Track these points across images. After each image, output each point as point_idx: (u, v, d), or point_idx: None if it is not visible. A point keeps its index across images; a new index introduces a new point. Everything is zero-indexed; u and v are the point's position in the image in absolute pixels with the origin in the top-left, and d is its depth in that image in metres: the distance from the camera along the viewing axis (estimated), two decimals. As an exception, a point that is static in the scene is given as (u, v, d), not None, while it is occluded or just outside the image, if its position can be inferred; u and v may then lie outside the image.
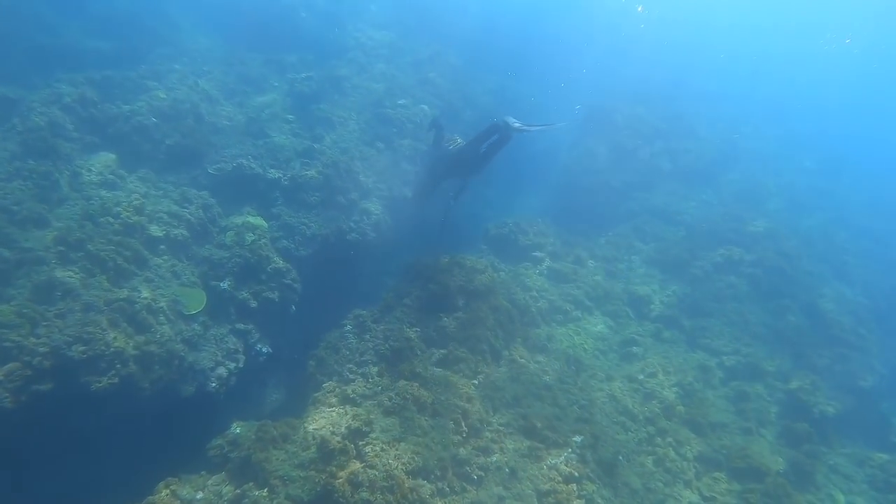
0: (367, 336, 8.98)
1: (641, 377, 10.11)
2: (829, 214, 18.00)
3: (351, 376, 8.42)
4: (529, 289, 11.44)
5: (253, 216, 11.36)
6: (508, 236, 12.85)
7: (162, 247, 9.74)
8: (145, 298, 8.55)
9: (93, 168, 10.36)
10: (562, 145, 21.73)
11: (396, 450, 7.13)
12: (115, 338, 7.77)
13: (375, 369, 8.45)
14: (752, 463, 8.75)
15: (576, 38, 25.88)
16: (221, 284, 9.82)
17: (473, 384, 8.55)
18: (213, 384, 9.22)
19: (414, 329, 9.22)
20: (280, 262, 10.53)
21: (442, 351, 8.88)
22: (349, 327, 9.37)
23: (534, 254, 12.52)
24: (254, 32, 17.26)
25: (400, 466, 6.92)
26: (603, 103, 20.37)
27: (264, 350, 10.35)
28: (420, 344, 8.93)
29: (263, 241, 10.63)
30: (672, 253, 13.22)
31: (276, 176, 12.02)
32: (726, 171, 18.35)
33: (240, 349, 9.81)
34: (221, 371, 9.40)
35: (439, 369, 8.59)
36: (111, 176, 10.39)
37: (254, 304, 10.07)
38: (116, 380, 7.65)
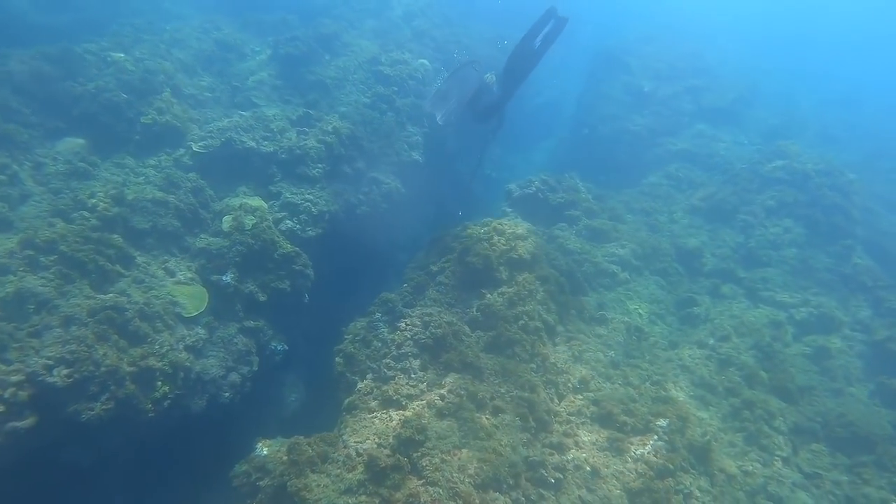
0: (402, 324, 7.67)
1: (712, 342, 8.90)
2: (865, 145, 16.73)
3: (389, 373, 7.14)
4: (570, 252, 10.14)
5: (250, 197, 9.96)
6: (536, 196, 11.46)
7: (150, 240, 8.37)
8: (137, 303, 7.19)
9: (59, 157, 8.89)
10: (569, 94, 20.31)
11: (459, 459, 5.92)
12: (105, 354, 6.44)
13: (417, 363, 7.18)
14: (857, 431, 7.61)
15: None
16: (224, 278, 8.46)
17: (532, 369, 7.31)
18: (227, 394, 7.96)
19: (454, 310, 7.96)
20: (288, 247, 9.15)
21: (490, 333, 7.61)
22: (378, 315, 8.08)
23: (567, 213, 11.16)
24: (226, -5, 15.55)
25: (466, 479, 5.72)
26: (611, 45, 18.88)
27: (279, 348, 9.07)
28: (464, 327, 7.66)
29: (266, 223, 9.23)
30: (717, 199, 11.90)
31: (272, 149, 10.57)
32: (750, 108, 16.96)
33: (252, 350, 8.52)
34: (234, 377, 8.13)
35: (492, 356, 7.33)
36: (82, 164, 8.92)
37: (262, 297, 8.73)
38: (112, 404, 6.35)
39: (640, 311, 9.51)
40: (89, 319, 6.64)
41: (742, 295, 10.30)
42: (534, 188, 11.59)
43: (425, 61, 14.53)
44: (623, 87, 16.41)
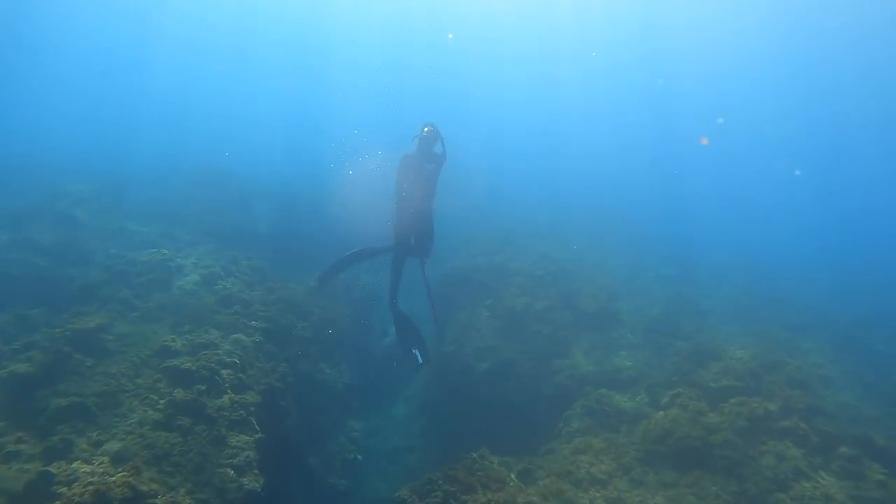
0: None
1: None
2: (752, 315, 16.03)
3: None
4: None
5: None
6: (447, 504, 7.55)
7: None
8: None
9: None
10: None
11: None
12: None
13: None
14: None
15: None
16: None
17: None
18: None
19: None
20: None
21: None
22: None
23: (506, 519, 7.35)
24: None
25: None
26: (458, 265, 16.91)
27: None
28: None
29: None
30: (677, 438, 8.90)
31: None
32: (618, 301, 15.48)
33: None
34: None
35: None
36: None
37: None
38: None
39: None
40: None
41: (787, 575, 6.98)
42: (441, 495, 7.67)
43: (241, 336, 10.70)
44: (490, 311, 13.99)
